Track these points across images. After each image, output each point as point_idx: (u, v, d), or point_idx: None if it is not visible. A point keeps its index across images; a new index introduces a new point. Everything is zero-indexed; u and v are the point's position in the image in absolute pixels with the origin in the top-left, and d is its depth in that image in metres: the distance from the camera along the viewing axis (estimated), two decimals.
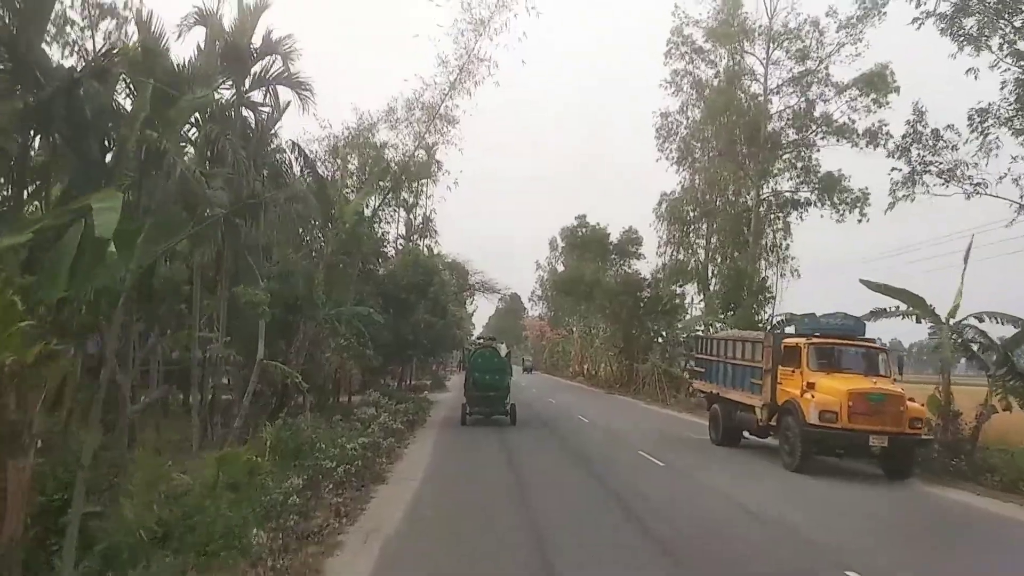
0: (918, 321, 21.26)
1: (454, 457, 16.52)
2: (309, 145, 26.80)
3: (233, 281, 17.88)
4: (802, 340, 16.44)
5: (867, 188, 29.44)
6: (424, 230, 54.66)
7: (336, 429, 16.56)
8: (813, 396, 15.07)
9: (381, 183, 26.51)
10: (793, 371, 16.21)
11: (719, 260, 37.55)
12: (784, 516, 10.83)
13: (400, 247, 49.25)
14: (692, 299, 40.42)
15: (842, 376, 15.62)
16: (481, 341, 30.67)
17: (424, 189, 53.83)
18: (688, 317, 47.19)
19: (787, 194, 31.52)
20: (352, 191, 26.28)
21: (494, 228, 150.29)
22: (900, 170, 20.34)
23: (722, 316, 35.20)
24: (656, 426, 25.20)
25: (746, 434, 19.21)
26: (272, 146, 20.87)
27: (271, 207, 18.84)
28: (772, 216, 31.77)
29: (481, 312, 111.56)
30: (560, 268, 70.89)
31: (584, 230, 52.18)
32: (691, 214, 39.43)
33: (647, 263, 49.54)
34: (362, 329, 27.29)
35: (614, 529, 9.66)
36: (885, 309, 20.63)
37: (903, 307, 21.34)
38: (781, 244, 31.91)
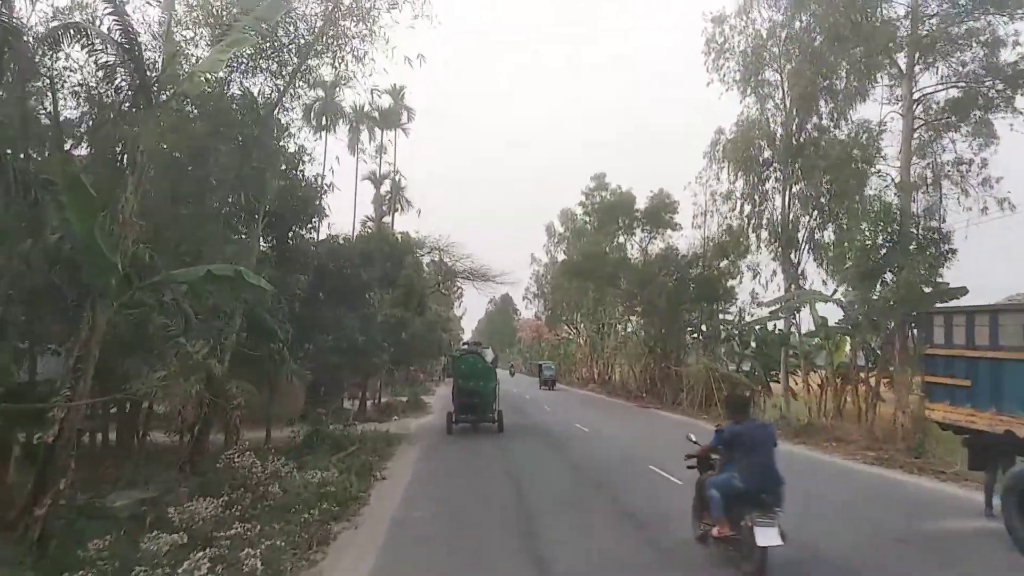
0: None
1: None
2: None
3: None
4: None
5: None
6: (393, 201, 42.95)
7: None
8: None
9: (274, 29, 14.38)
10: None
11: (812, 213, 25.99)
12: None
13: (369, 231, 37.54)
14: (771, 274, 28.60)
15: None
16: (467, 347, 28.16)
17: (392, 140, 41.48)
18: (742, 301, 35.83)
19: (964, 87, 19.36)
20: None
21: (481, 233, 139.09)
22: None
23: (837, 290, 23.60)
24: (819, 490, 13.52)
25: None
26: None
27: None
28: (942, 121, 19.91)
29: (471, 315, 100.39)
30: (560, 256, 59.32)
31: (604, 194, 40.36)
32: (763, 153, 27.88)
33: (683, 236, 38.14)
34: (267, 322, 15.65)
35: None
36: None
37: None
38: (972, 160, 20.01)
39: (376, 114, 35.96)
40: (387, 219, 43.39)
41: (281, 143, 19.91)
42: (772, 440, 7.74)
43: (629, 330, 48.32)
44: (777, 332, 29.69)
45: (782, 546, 7.04)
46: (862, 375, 23.22)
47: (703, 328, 40.50)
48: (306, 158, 21.38)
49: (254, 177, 16.11)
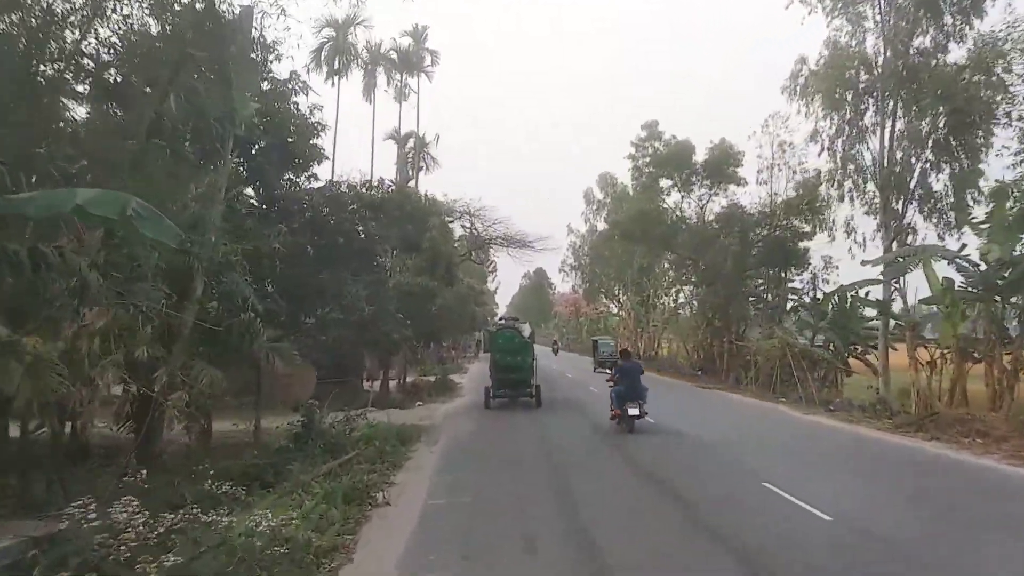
0: None
1: None
2: None
3: None
4: None
5: None
6: (417, 158, 38.69)
7: None
8: None
9: None
10: None
11: (922, 153, 21.13)
12: None
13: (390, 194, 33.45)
14: (875, 230, 23.69)
15: None
16: (504, 321, 28.14)
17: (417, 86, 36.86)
18: (814, 267, 31.25)
19: None
20: None
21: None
22: None
23: (964, 245, 18.79)
24: None
25: None
26: None
27: None
28: None
29: (503, 290, 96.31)
30: (601, 225, 54.62)
31: (656, 144, 35.32)
32: (859, 83, 22.91)
33: (746, 192, 33.24)
34: (232, 286, 11.70)
35: None
36: None
37: None
38: None
39: (394, 54, 31.62)
40: (411, 182, 39.42)
41: (269, 63, 15.92)
42: (640, 371, 17.31)
43: (680, 300, 43.69)
44: (874, 299, 24.85)
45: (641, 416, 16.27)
46: (995, 351, 18.62)
47: (768, 297, 35.81)
48: (299, 86, 17.31)
49: (216, 92, 12.05)
